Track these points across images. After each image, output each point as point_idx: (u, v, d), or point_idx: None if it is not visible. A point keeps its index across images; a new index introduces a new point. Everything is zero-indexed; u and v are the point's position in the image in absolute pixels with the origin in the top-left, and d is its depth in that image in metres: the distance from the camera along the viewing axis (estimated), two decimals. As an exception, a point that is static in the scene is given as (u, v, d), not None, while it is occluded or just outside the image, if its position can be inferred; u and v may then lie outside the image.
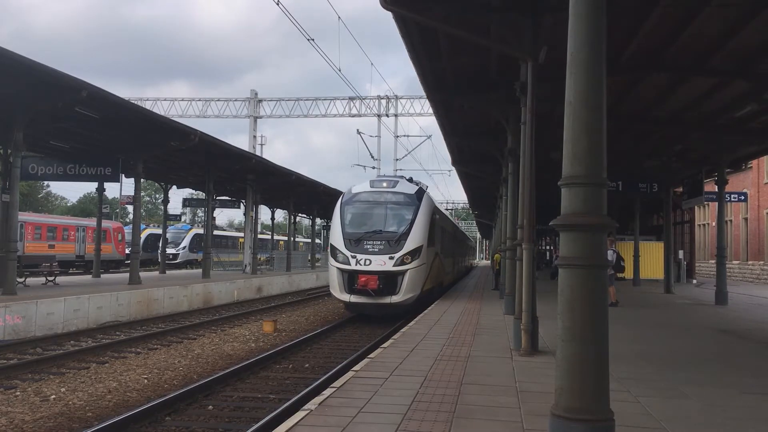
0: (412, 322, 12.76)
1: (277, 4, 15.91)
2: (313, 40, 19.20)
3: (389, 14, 9.39)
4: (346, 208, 17.27)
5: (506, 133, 13.63)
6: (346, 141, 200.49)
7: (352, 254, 15.85)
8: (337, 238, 16.49)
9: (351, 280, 15.78)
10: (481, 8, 9.42)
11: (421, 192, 17.87)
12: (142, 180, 21.35)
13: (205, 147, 20.46)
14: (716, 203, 20.36)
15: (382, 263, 15.70)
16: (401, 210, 16.99)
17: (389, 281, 15.69)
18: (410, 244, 16.08)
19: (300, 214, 46.93)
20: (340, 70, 23.21)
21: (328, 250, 17.62)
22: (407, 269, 15.81)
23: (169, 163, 24.29)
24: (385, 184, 17.83)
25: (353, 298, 15.83)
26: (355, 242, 16.08)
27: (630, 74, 12.71)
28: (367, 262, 15.70)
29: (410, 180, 19.37)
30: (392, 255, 15.80)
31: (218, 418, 7.53)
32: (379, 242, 16.07)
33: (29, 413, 7.58)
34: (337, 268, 16.02)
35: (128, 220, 47.28)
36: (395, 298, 15.69)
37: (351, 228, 16.68)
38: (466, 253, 48.39)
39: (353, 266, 15.73)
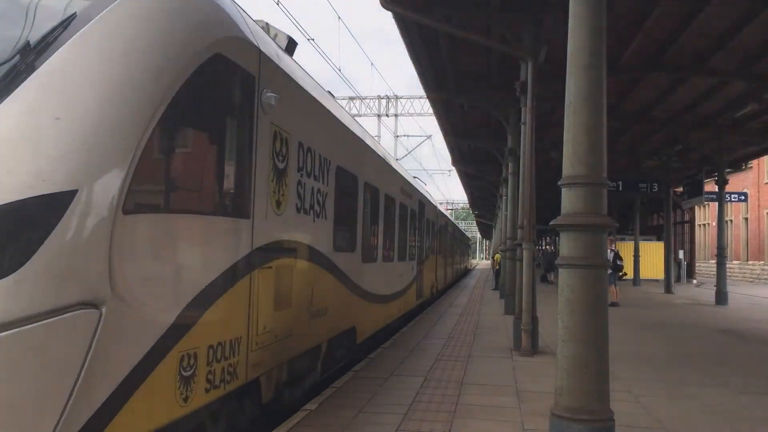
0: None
1: (277, 4, 15.88)
2: (313, 39, 19.17)
3: (390, 13, 9.40)
4: None
5: (506, 133, 13.65)
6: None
7: None
8: None
9: None
10: (481, 8, 9.43)
11: None
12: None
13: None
14: (716, 203, 20.38)
15: None
16: None
17: None
18: None
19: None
20: (340, 70, 23.11)
21: None
22: None
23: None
24: None
25: None
26: None
27: (630, 74, 12.72)
28: None
29: None
30: None
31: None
32: None
33: (29, 413, 7.56)
34: None
35: (128, 220, 47.13)
36: None
37: None
38: (455, 251, 31.16)
39: None
